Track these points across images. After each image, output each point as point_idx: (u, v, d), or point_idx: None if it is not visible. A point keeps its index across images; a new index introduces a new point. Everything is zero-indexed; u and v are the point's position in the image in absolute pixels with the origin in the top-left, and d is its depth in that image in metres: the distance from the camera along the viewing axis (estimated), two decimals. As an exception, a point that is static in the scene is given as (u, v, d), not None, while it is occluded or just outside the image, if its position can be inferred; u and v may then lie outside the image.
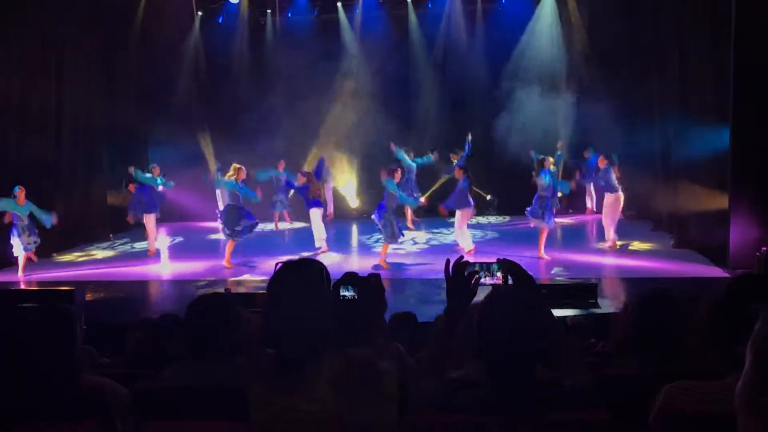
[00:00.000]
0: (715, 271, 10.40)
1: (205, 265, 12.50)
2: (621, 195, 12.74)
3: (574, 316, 5.79)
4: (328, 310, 2.51)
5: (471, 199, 12.59)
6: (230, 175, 11.95)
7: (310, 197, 13.00)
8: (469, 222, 13.28)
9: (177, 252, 14.22)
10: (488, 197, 17.68)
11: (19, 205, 11.54)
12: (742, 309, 2.17)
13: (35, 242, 11.83)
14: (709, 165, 11.25)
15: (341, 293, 2.71)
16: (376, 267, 11.51)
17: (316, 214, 13.06)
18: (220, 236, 13.24)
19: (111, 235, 15.80)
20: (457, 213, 12.60)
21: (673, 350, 2.96)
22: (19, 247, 11.67)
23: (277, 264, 2.56)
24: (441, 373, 2.56)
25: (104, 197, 15.89)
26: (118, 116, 16.45)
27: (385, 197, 11.74)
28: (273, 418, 2.38)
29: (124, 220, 14.85)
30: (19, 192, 11.56)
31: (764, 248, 9.66)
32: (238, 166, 12.07)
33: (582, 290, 8.85)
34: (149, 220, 13.76)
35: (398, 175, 11.89)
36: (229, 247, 12.25)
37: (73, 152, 14.83)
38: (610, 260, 11.79)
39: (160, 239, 14.56)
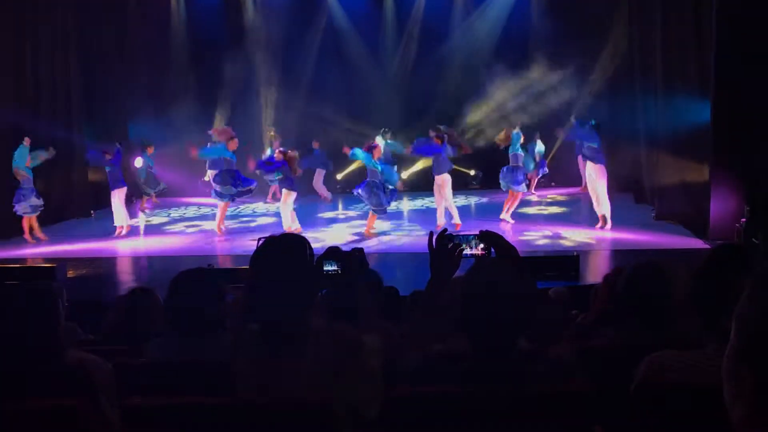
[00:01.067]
0: (696, 243, 10.50)
1: (189, 240, 12.49)
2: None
3: (556, 288, 5.83)
4: (312, 285, 2.51)
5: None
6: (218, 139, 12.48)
7: (290, 174, 12.32)
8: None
9: (160, 227, 14.12)
10: (472, 172, 17.71)
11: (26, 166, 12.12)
12: (722, 279, 2.20)
13: (33, 207, 12.20)
14: (690, 137, 11.31)
15: (324, 268, 2.72)
16: (360, 235, 11.75)
17: (291, 197, 12.29)
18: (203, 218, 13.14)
19: (92, 212, 15.66)
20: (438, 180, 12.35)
21: (655, 321, 3.00)
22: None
23: (259, 239, 2.56)
24: (425, 346, 2.57)
25: (85, 173, 15.70)
26: (97, 90, 16.23)
27: (368, 174, 11.87)
28: (257, 394, 2.39)
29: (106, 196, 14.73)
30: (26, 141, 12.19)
31: (743, 220, 9.76)
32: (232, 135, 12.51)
33: (563, 262, 8.92)
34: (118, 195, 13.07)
35: (377, 152, 11.96)
36: (221, 211, 12.53)
37: (51, 127, 14.61)
38: (591, 233, 11.85)
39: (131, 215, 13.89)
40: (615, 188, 15.80)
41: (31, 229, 12.50)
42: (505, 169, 12.74)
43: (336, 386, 2.36)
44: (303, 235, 2.64)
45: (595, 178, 12.03)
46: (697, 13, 11.00)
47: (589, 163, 12.15)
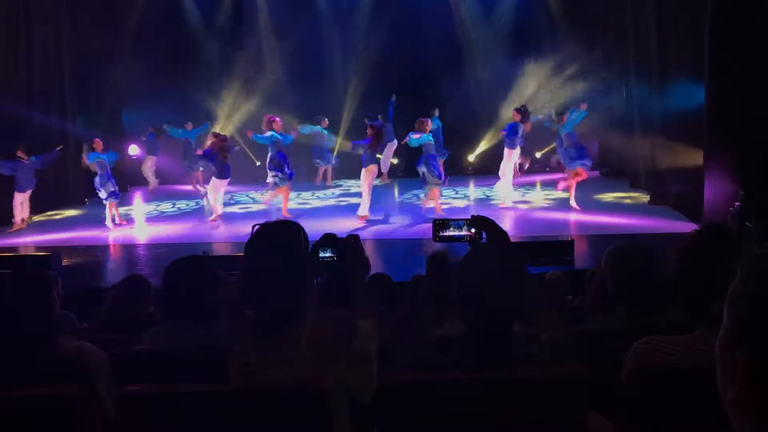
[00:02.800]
0: (691, 227, 10.52)
1: (183, 228, 12.48)
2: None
3: (552, 272, 5.85)
4: (306, 272, 2.51)
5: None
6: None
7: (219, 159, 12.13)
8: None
9: (156, 216, 14.11)
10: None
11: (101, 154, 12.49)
12: (708, 260, 2.20)
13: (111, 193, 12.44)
14: (685, 121, 11.31)
15: (320, 255, 2.72)
16: (430, 211, 12.12)
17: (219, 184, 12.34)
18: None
19: (86, 200, 15.62)
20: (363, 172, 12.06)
21: (645, 305, 3.01)
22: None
23: (254, 226, 2.56)
24: (425, 330, 2.58)
25: (79, 160, 15.62)
26: (91, 78, 16.14)
27: (425, 149, 12.15)
28: (253, 380, 2.40)
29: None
30: (96, 144, 12.54)
31: (737, 203, 9.78)
32: (273, 117, 12.60)
33: (558, 247, 8.94)
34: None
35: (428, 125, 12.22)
36: (284, 196, 12.64)
37: (44, 114, 14.55)
38: (586, 217, 11.89)
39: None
40: (609, 173, 15.92)
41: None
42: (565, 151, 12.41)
43: (332, 372, 2.37)
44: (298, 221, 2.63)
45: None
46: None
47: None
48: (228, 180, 12.41)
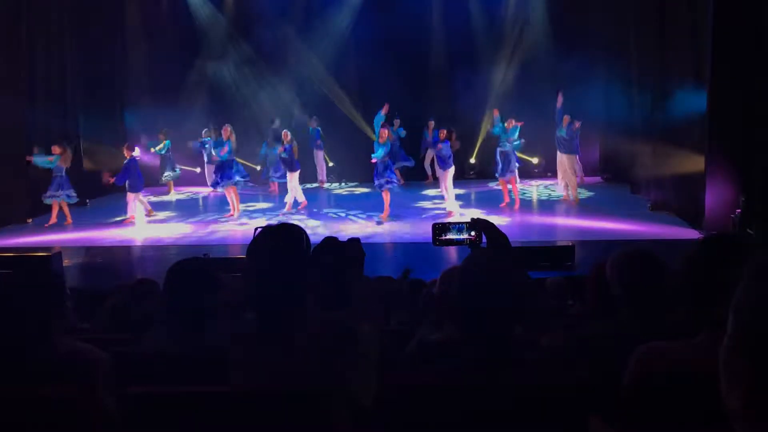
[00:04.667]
0: (691, 234, 10.52)
1: (183, 229, 12.48)
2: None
3: (553, 277, 5.84)
4: (308, 275, 2.52)
5: (451, 162, 12.97)
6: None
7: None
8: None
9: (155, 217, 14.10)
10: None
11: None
12: (714, 269, 2.21)
13: (66, 195, 13.12)
14: (686, 127, 11.31)
15: (321, 258, 2.72)
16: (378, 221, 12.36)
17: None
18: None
19: (88, 201, 15.61)
20: (441, 175, 12.78)
21: (649, 310, 3.00)
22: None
23: (256, 229, 2.56)
24: (425, 333, 2.58)
25: (80, 161, 15.63)
26: (93, 78, 16.15)
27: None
28: (254, 383, 2.40)
29: (101, 185, 14.72)
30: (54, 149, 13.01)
31: (738, 210, 9.78)
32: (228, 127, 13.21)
33: (559, 252, 8.94)
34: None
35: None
36: (229, 196, 13.27)
37: (46, 116, 14.56)
38: (587, 223, 11.88)
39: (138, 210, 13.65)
40: (610, 179, 15.91)
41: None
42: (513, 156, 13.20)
43: (332, 374, 2.37)
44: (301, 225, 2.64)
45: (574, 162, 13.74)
46: (693, 2, 10.98)
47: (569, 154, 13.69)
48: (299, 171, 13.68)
